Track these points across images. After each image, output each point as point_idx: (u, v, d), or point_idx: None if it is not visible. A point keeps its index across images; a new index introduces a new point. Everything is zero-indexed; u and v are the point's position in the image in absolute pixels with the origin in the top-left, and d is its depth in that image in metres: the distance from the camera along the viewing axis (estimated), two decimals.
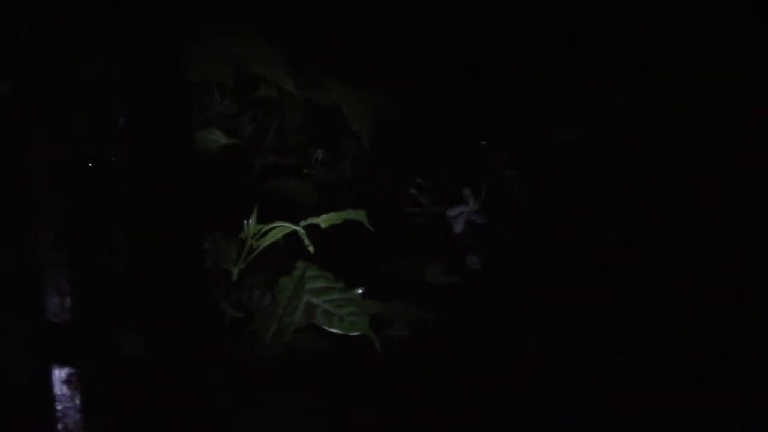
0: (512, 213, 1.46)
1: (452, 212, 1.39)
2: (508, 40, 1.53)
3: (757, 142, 1.47)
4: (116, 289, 0.96)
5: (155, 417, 0.88)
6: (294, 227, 1.01)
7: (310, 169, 1.28)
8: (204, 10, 1.03)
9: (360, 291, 1.06)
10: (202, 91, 1.12)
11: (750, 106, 1.48)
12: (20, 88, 0.83)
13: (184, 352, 0.89)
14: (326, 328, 1.03)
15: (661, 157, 1.54)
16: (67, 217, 0.84)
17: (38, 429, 0.84)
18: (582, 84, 1.54)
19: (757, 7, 1.46)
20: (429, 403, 1.19)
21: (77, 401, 0.85)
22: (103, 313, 0.93)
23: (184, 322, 0.89)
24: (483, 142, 1.48)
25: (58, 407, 0.85)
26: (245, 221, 1.03)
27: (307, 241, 1.00)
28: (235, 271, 1.04)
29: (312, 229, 1.03)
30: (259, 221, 1.02)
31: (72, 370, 0.85)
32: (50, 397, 0.84)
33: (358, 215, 1.04)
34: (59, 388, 0.85)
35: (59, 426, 0.85)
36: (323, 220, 1.03)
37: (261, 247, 1.03)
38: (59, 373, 0.85)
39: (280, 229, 1.02)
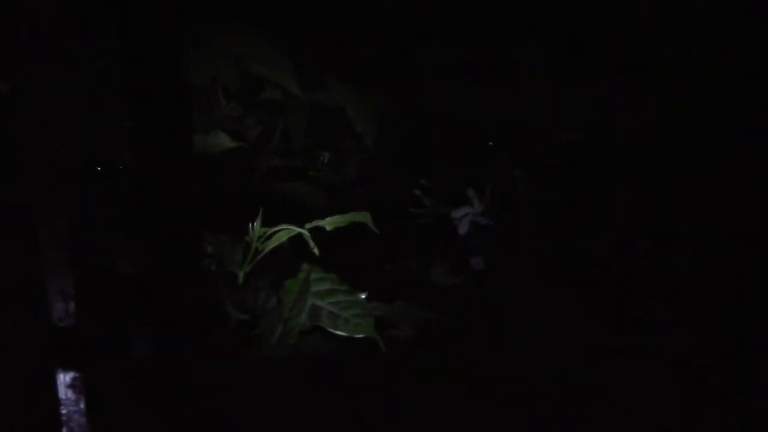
0: (516, 214, 1.46)
1: (457, 213, 1.39)
2: (508, 40, 1.53)
3: (757, 142, 1.48)
4: (118, 291, 0.96)
5: (160, 419, 0.88)
6: (299, 230, 1.01)
7: (316, 171, 1.28)
8: (207, 12, 1.03)
9: (365, 293, 1.06)
10: (207, 94, 1.11)
11: (750, 106, 1.49)
12: (20, 88, 0.83)
13: (186, 353, 0.89)
14: (331, 330, 1.02)
15: (661, 157, 1.55)
16: (68, 217, 0.84)
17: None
18: (582, 84, 1.54)
19: (757, 7, 1.46)
20: (433, 403, 1.19)
21: (82, 405, 0.85)
22: (106, 316, 0.93)
23: (185, 324, 0.89)
24: (490, 143, 1.48)
25: (63, 411, 0.85)
26: (250, 224, 1.02)
27: (311, 244, 1.00)
28: (241, 274, 1.04)
29: (317, 231, 1.03)
30: (266, 223, 1.02)
31: (77, 374, 0.85)
32: (55, 400, 0.84)
33: (362, 217, 1.04)
34: (64, 392, 0.85)
35: (64, 430, 0.85)
36: (328, 223, 1.03)
37: (266, 250, 1.02)
38: (64, 377, 0.85)
39: (285, 231, 1.02)
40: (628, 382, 1.31)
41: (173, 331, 0.88)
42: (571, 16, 1.53)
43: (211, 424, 0.92)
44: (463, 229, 1.39)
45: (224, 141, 1.05)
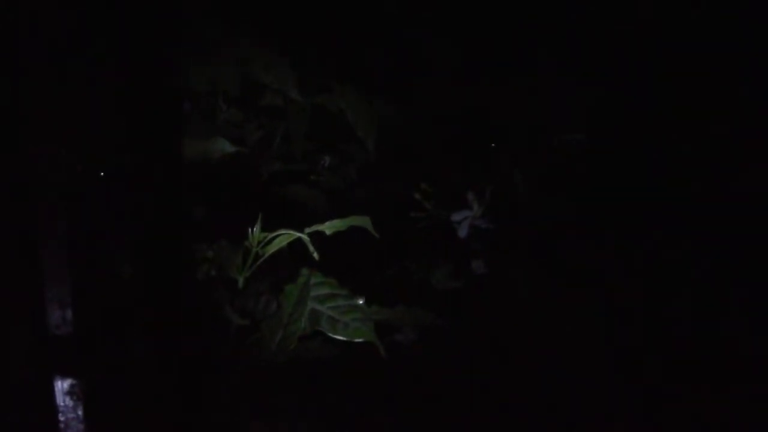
0: (516, 216, 1.45)
1: (457, 217, 1.38)
2: (508, 40, 1.53)
3: (757, 142, 1.48)
4: (117, 297, 0.96)
5: (158, 426, 0.88)
6: (299, 234, 1.01)
7: (316, 175, 1.28)
8: (207, 17, 1.02)
9: (363, 298, 1.05)
10: (207, 99, 1.11)
11: (750, 106, 1.49)
12: (20, 88, 0.82)
13: (186, 359, 0.89)
14: (331, 335, 1.02)
15: (660, 157, 1.54)
16: (67, 222, 0.83)
17: None
18: (582, 84, 1.54)
19: (757, 7, 1.46)
20: (434, 408, 1.19)
21: (80, 412, 0.85)
22: (104, 322, 0.92)
23: (181, 330, 0.88)
24: (493, 145, 1.48)
25: (61, 418, 0.84)
26: (250, 229, 1.02)
27: (311, 248, 0.99)
28: (241, 279, 1.03)
29: (317, 236, 1.02)
30: (267, 228, 1.01)
31: (74, 381, 0.84)
32: (53, 407, 0.84)
33: (362, 221, 1.03)
34: (62, 399, 0.84)
35: None
36: (328, 227, 1.02)
37: (266, 255, 1.02)
38: (62, 384, 0.84)
39: (285, 236, 1.01)
40: (629, 384, 1.32)
41: (172, 337, 0.88)
42: (572, 16, 1.53)
43: (210, 429, 0.92)
44: (463, 232, 1.38)
45: (225, 146, 1.04)
